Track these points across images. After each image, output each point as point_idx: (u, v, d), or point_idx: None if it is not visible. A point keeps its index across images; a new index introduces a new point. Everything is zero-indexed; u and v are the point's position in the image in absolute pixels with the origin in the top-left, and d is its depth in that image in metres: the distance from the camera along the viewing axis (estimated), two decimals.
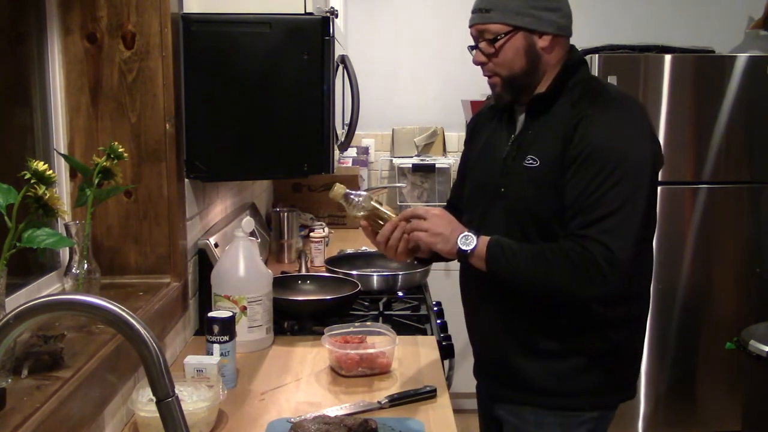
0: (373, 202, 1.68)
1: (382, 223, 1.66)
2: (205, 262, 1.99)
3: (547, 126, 1.63)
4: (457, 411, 1.56)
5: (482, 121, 1.85)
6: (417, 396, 1.58)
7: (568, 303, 1.62)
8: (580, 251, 1.50)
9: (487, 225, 1.68)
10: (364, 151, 4.06)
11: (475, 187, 1.79)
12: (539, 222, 1.62)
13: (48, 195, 1.20)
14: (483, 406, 1.90)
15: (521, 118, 1.70)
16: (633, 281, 1.64)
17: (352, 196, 1.67)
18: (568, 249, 1.52)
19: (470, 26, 1.67)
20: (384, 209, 1.68)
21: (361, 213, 1.67)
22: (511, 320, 1.69)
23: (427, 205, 3.14)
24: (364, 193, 1.70)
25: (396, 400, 1.55)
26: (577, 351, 1.65)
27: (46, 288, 1.61)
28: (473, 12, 1.66)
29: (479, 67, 1.70)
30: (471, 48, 1.70)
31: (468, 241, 1.59)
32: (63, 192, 1.71)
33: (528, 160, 1.63)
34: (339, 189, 1.67)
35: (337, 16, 2.01)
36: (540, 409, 1.68)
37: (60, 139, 1.71)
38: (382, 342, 1.77)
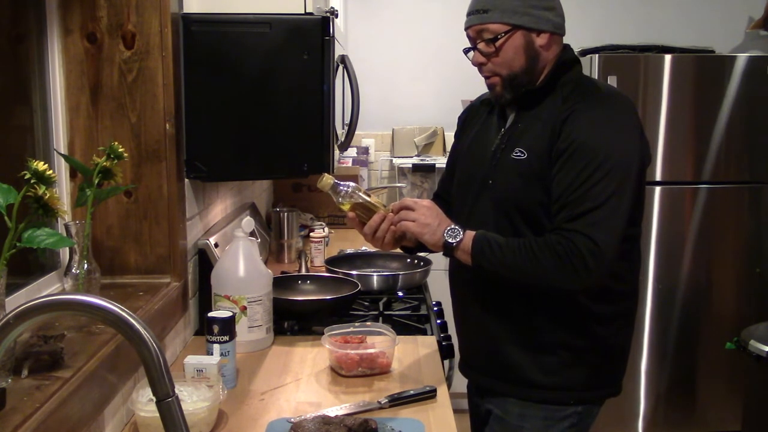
0: (360, 193, 1.69)
1: (369, 214, 1.67)
2: (205, 262, 1.99)
3: (537, 120, 1.65)
4: (457, 411, 1.56)
5: (473, 115, 1.87)
6: (417, 396, 1.58)
7: (553, 296, 1.63)
8: (566, 244, 1.52)
9: (476, 217, 1.70)
10: (364, 151, 4.06)
11: (463, 179, 1.81)
12: (526, 214, 1.63)
13: (48, 195, 1.20)
14: (472, 402, 1.92)
15: (512, 112, 1.72)
16: (621, 278, 1.66)
17: (340, 187, 1.68)
18: (554, 242, 1.53)
19: (467, 28, 1.68)
20: (371, 200, 1.69)
21: (349, 203, 1.68)
22: (501, 314, 1.70)
23: None
24: (352, 184, 1.70)
25: (396, 400, 1.55)
26: (565, 345, 1.66)
27: (46, 288, 1.61)
28: (470, 14, 1.67)
29: (477, 68, 1.71)
30: (467, 50, 1.71)
31: (454, 233, 1.61)
32: (63, 192, 1.71)
33: (516, 153, 1.64)
34: (327, 179, 1.68)
35: (337, 16, 2.02)
36: (525, 401, 1.70)
37: (60, 139, 1.71)
38: (382, 342, 1.77)
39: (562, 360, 1.67)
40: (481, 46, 1.66)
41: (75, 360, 1.25)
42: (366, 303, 2.29)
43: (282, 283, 2.20)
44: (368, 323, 1.95)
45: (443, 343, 1.99)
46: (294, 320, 2.03)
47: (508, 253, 1.57)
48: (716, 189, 3.48)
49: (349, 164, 3.95)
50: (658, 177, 3.43)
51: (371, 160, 4.12)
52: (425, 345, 1.92)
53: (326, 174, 1.70)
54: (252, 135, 1.91)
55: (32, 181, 1.19)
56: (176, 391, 0.94)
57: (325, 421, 1.36)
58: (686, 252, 3.50)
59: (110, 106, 1.72)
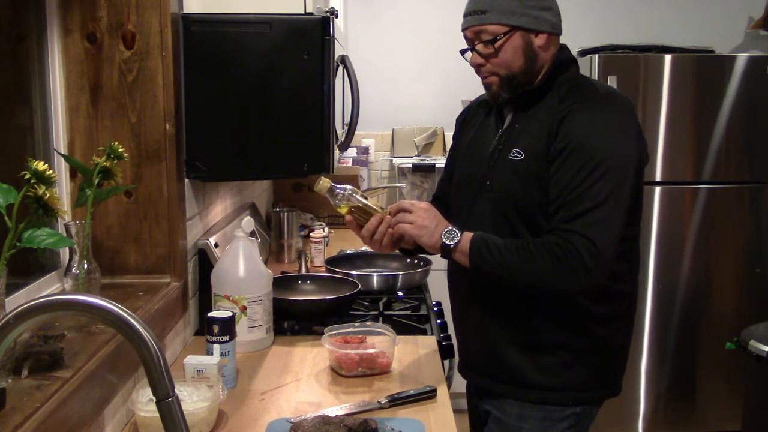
0: (357, 196, 1.69)
1: (366, 216, 1.67)
2: (205, 262, 1.99)
3: (534, 120, 1.65)
4: (457, 411, 1.56)
5: (471, 116, 1.87)
6: (417, 396, 1.58)
7: (552, 296, 1.63)
8: (565, 246, 1.51)
9: (474, 218, 1.70)
10: (364, 151, 4.06)
11: (462, 180, 1.80)
12: (524, 215, 1.63)
13: (48, 195, 1.20)
14: (471, 403, 1.92)
15: (509, 112, 1.72)
16: (620, 279, 1.66)
17: (337, 190, 1.68)
18: (553, 243, 1.53)
19: (464, 29, 1.67)
20: (369, 203, 1.69)
21: (346, 206, 1.68)
22: (499, 314, 1.70)
23: None
24: (349, 186, 1.70)
25: (396, 400, 1.55)
26: (564, 346, 1.66)
27: (46, 288, 1.61)
28: (467, 15, 1.66)
29: (474, 69, 1.70)
30: (464, 51, 1.70)
31: (452, 235, 1.61)
32: (63, 192, 1.71)
33: (513, 153, 1.64)
34: (324, 183, 1.68)
35: (337, 16, 2.01)
36: (524, 402, 1.70)
37: (60, 139, 1.71)
38: (382, 342, 1.77)
39: (561, 360, 1.67)
40: (479, 47, 1.65)
41: (75, 360, 1.25)
42: (366, 303, 2.29)
43: (282, 283, 2.20)
44: (368, 323, 1.95)
45: (443, 343, 1.99)
46: (294, 320, 2.04)
47: (506, 254, 1.57)
48: (716, 189, 3.48)
49: (349, 164, 3.95)
50: (658, 177, 3.43)
51: (371, 160, 4.12)
52: (425, 345, 1.92)
53: (323, 177, 1.69)
54: (252, 135, 1.91)
55: (32, 181, 1.19)
56: (176, 391, 0.94)
57: (325, 421, 1.36)
58: (686, 252, 3.50)
59: (110, 106, 1.72)
